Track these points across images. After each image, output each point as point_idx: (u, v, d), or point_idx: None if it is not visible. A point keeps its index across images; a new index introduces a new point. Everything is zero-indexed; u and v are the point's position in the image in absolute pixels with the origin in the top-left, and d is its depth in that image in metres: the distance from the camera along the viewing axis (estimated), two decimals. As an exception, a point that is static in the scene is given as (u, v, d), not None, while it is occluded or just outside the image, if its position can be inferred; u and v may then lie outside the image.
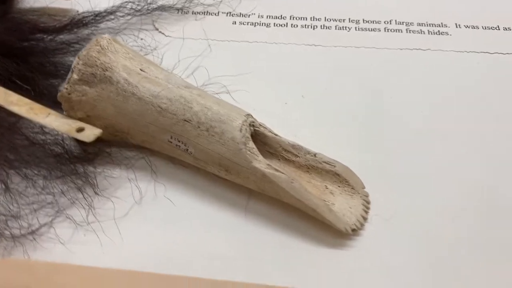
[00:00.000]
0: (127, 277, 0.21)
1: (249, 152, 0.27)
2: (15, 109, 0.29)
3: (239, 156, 0.27)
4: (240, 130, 0.27)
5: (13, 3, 0.38)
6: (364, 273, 0.26)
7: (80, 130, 0.28)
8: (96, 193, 0.29)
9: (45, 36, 0.36)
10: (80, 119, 0.29)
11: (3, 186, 0.29)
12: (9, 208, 0.28)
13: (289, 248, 0.27)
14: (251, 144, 0.27)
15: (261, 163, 0.27)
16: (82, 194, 0.29)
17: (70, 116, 0.29)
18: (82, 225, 0.28)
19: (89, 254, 0.27)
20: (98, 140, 0.31)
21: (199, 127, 0.27)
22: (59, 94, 0.28)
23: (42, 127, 0.30)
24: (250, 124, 0.28)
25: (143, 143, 0.30)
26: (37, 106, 0.30)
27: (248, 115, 0.28)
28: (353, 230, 0.27)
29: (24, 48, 0.35)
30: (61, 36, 0.37)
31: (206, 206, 0.29)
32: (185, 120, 0.27)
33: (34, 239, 0.27)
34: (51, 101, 0.32)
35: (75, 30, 0.37)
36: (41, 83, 0.34)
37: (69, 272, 0.21)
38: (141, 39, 0.37)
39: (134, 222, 0.28)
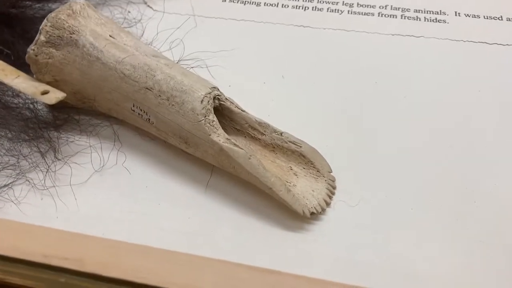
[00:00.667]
0: (74, 238, 0.20)
1: (208, 124, 0.26)
2: (-14, 69, 0.29)
3: (198, 128, 0.26)
4: (201, 102, 0.26)
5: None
6: (319, 258, 0.25)
7: (44, 93, 0.28)
8: (56, 158, 0.28)
9: (33, 4, 0.36)
10: (49, 83, 0.29)
11: (-32, 145, 0.29)
12: (-29, 166, 0.28)
13: (245, 227, 0.26)
14: (212, 117, 0.26)
15: (219, 136, 0.26)
16: (43, 157, 0.28)
17: (39, 80, 0.29)
18: (39, 189, 0.28)
19: (43, 217, 0.26)
20: (68, 106, 0.31)
21: (160, 95, 0.26)
22: (26, 55, 0.28)
23: (12, 89, 0.30)
24: (214, 97, 0.27)
25: (110, 112, 0.29)
26: (9, 68, 0.30)
27: (214, 87, 0.27)
28: (312, 213, 0.26)
29: (11, 14, 0.35)
30: (50, 5, 0.37)
31: (167, 179, 0.28)
32: (146, 88, 0.26)
33: (-9, 198, 0.27)
34: (28, 66, 0.32)
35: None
36: (22, 49, 0.33)
37: (19, 229, 0.20)
38: (128, 12, 0.36)
39: (92, 189, 0.28)
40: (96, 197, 0.27)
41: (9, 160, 0.29)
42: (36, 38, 0.28)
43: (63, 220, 0.27)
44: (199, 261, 0.18)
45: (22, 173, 0.28)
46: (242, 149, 0.25)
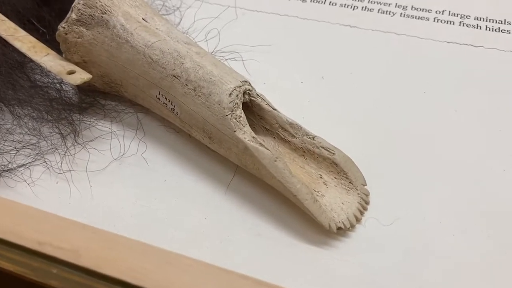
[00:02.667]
0: (73, 227, 0.19)
1: (234, 120, 0.24)
2: (17, 44, 0.29)
3: (223, 122, 0.24)
4: (230, 95, 0.24)
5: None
6: (341, 280, 0.22)
7: (71, 73, 0.27)
8: (76, 141, 0.27)
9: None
10: (77, 64, 0.28)
11: (-8, 121, 0.28)
12: (-8, 142, 0.27)
13: (263, 236, 0.24)
14: (239, 112, 0.24)
15: (245, 134, 0.24)
16: (63, 140, 0.27)
17: (67, 60, 0.28)
18: (56, 172, 0.26)
19: (56, 202, 0.25)
20: (96, 90, 0.29)
21: (186, 85, 0.25)
22: (57, 33, 0.27)
23: (41, 68, 0.29)
24: (245, 92, 0.25)
25: (136, 98, 0.28)
26: (40, 45, 0.29)
27: (246, 81, 0.25)
28: (339, 228, 0.23)
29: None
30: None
31: (187, 175, 0.26)
32: (173, 76, 0.25)
33: (7, 176, 0.26)
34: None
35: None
36: (57, 28, 0.33)
37: (16, 210, 0.19)
38: (169, -3, 0.35)
39: (109, 178, 0.26)
40: (112, 186, 0.26)
41: (30, 139, 0.28)
42: (68, 15, 0.27)
43: (75, 207, 0.25)
44: (203, 268, 0.16)
45: (41, 154, 0.27)
46: (268, 149, 0.23)
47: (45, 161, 0.27)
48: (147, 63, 0.25)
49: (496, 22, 0.33)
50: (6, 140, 0.27)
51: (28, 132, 0.28)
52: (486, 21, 0.33)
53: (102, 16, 0.26)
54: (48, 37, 0.33)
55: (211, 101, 0.24)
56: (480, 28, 0.32)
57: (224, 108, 0.24)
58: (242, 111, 0.24)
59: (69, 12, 0.27)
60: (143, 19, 0.27)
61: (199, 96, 0.24)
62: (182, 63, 0.25)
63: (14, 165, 0.27)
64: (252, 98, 0.25)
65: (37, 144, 0.28)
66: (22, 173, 0.26)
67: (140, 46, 0.25)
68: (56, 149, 0.27)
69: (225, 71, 0.25)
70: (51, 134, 0.28)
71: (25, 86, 0.30)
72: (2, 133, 0.28)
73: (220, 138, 0.24)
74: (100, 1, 0.26)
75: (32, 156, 0.27)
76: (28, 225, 0.16)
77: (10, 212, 0.18)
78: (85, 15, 0.26)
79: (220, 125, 0.24)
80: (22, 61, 0.31)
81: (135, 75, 0.26)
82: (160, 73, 0.25)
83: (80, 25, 0.27)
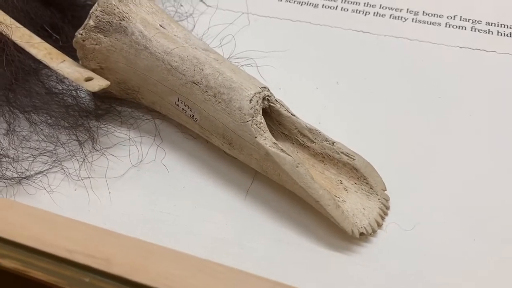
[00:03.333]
0: (102, 235, 0.19)
1: (255, 126, 0.24)
2: (33, 51, 0.28)
3: (244, 128, 0.24)
4: (250, 101, 0.24)
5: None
6: (364, 285, 0.22)
7: (88, 79, 0.27)
8: (94, 148, 0.27)
9: (87, -9, 0.36)
10: (94, 71, 0.28)
11: (8, 127, 0.28)
12: (8, 149, 0.27)
13: (284, 242, 0.24)
14: (260, 118, 0.24)
15: (266, 140, 0.24)
16: (81, 147, 0.27)
17: (84, 66, 0.28)
18: (74, 179, 0.26)
19: (75, 209, 0.25)
20: (111, 97, 0.29)
21: (206, 91, 0.25)
22: (74, 39, 0.27)
23: (56, 74, 0.29)
24: (264, 98, 0.25)
25: (153, 105, 0.28)
26: (55, 52, 0.29)
27: (265, 87, 0.25)
28: (361, 234, 0.23)
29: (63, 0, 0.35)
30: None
31: (206, 181, 0.26)
32: (193, 82, 0.25)
33: (26, 183, 0.26)
34: (75, 52, 0.31)
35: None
36: (71, 35, 0.33)
37: (44, 218, 0.19)
38: (181, 5, 0.35)
39: (128, 184, 0.26)
40: (131, 193, 0.26)
41: (46, 146, 0.28)
42: (85, 22, 0.27)
43: (94, 214, 0.25)
44: (235, 275, 0.16)
45: (58, 161, 0.27)
46: (289, 155, 0.23)
47: (62, 168, 0.27)
48: (166, 69, 0.25)
49: (507, 27, 0.33)
50: (23, 147, 0.27)
51: (45, 139, 0.28)
52: (498, 26, 0.33)
53: (120, 23, 0.26)
54: (61, 43, 0.33)
55: (232, 107, 0.24)
56: (492, 33, 0.33)
57: (245, 114, 0.24)
58: (262, 117, 0.24)
59: (87, 19, 0.27)
60: (160, 25, 0.27)
61: (219, 102, 0.24)
62: (202, 70, 0.25)
63: (32, 172, 0.27)
64: (271, 104, 0.25)
65: (54, 151, 0.28)
66: (40, 180, 0.26)
67: (159, 53, 0.26)
68: (74, 155, 0.27)
69: (244, 78, 0.25)
70: (68, 141, 0.28)
71: (41, 93, 0.30)
72: (19, 140, 0.28)
73: (241, 144, 0.24)
74: (118, 8, 0.26)
75: (49, 163, 0.27)
76: (58, 233, 0.16)
77: (39, 220, 0.18)
78: (103, 22, 0.26)
79: (241, 131, 0.24)
80: (36, 68, 0.31)
81: (154, 82, 0.26)
82: (180, 79, 0.25)
83: (98, 31, 0.27)
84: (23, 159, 0.27)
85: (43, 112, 0.29)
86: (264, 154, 0.24)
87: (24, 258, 0.16)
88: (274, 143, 0.24)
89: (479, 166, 0.26)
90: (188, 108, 0.26)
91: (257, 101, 0.24)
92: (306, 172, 0.23)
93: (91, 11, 0.27)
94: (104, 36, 0.27)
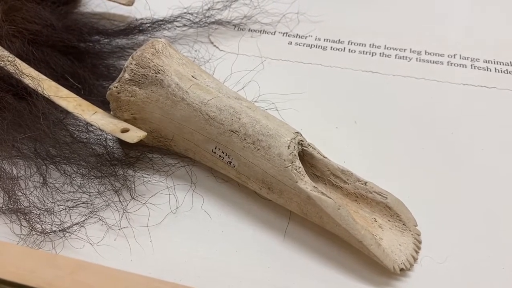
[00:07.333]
0: (151, 285, 0.19)
1: (295, 171, 0.25)
2: (63, 103, 0.29)
3: (284, 174, 0.25)
4: (288, 147, 0.25)
5: (75, 5, 0.39)
6: (410, 318, 0.24)
7: (124, 131, 0.28)
8: (132, 197, 0.28)
9: (102, 39, 0.36)
10: (126, 121, 0.29)
11: (42, 180, 0.28)
12: (44, 202, 0.27)
13: (327, 282, 0.25)
14: (298, 163, 0.25)
15: (307, 184, 0.25)
16: (118, 197, 0.28)
17: (116, 117, 0.29)
18: (114, 229, 0.27)
19: (118, 259, 0.26)
20: (141, 144, 0.30)
21: (245, 139, 0.26)
22: (108, 92, 0.28)
23: (87, 125, 0.30)
24: (298, 143, 0.26)
25: (186, 152, 0.29)
26: (85, 103, 0.30)
27: (297, 132, 0.26)
28: (401, 269, 0.24)
29: (80, 48, 0.35)
30: (117, 40, 0.37)
31: (243, 224, 0.27)
32: (232, 131, 0.26)
33: (64, 236, 0.26)
34: (99, 101, 0.32)
35: (132, 35, 0.37)
36: (92, 83, 0.34)
37: (94, 271, 0.20)
38: (196, 50, 0.37)
39: (167, 231, 0.27)
40: (171, 240, 0.27)
41: (81, 197, 0.28)
42: (120, 75, 0.28)
43: (138, 263, 0.26)
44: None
45: (95, 211, 0.27)
46: (331, 198, 0.25)
47: (100, 219, 0.27)
48: (204, 119, 0.26)
49: (503, 64, 0.36)
50: (60, 199, 0.28)
51: (78, 189, 0.28)
52: (494, 63, 0.36)
53: (156, 76, 0.27)
54: (82, 92, 0.33)
55: (271, 154, 0.25)
56: (490, 70, 0.35)
57: (284, 160, 0.25)
58: (300, 162, 0.25)
59: (122, 72, 0.28)
60: (192, 76, 0.28)
61: (258, 149, 0.26)
62: (239, 119, 0.26)
63: (69, 224, 0.27)
64: (305, 148, 0.27)
65: (89, 201, 0.28)
66: (79, 231, 0.27)
67: (197, 104, 0.27)
68: (109, 205, 0.28)
69: (278, 124, 0.26)
70: (104, 191, 0.28)
71: (69, 143, 0.30)
72: (52, 192, 0.28)
73: (281, 189, 0.25)
74: (152, 61, 0.27)
75: (85, 214, 0.27)
76: (109, 284, 0.17)
77: (87, 271, 0.18)
78: (138, 75, 0.27)
79: (281, 177, 0.25)
80: (61, 118, 0.31)
81: (190, 131, 0.27)
82: (218, 128, 0.26)
83: (133, 84, 0.28)
84: (57, 211, 0.27)
85: (74, 162, 0.29)
86: (306, 198, 0.25)
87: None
88: (314, 186, 0.25)
89: (499, 196, 0.28)
90: (226, 155, 0.27)
91: (294, 146, 0.26)
92: (347, 214, 0.24)
93: (125, 65, 0.28)
94: (139, 88, 0.27)
